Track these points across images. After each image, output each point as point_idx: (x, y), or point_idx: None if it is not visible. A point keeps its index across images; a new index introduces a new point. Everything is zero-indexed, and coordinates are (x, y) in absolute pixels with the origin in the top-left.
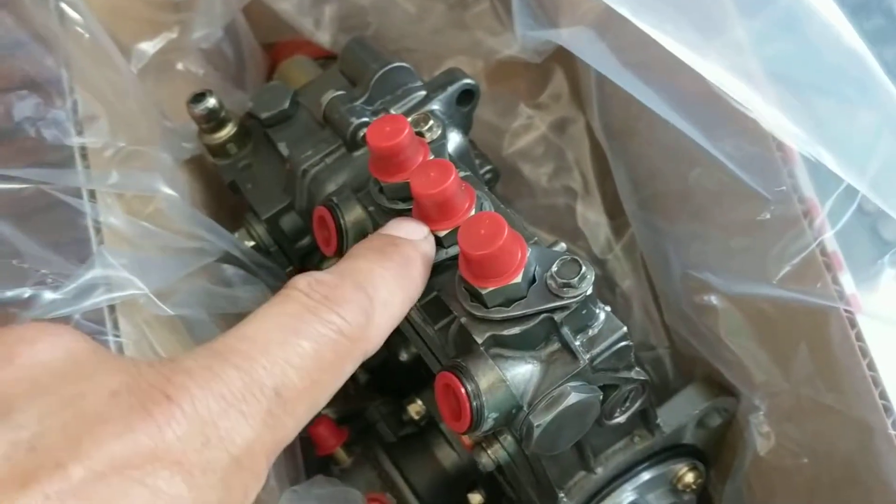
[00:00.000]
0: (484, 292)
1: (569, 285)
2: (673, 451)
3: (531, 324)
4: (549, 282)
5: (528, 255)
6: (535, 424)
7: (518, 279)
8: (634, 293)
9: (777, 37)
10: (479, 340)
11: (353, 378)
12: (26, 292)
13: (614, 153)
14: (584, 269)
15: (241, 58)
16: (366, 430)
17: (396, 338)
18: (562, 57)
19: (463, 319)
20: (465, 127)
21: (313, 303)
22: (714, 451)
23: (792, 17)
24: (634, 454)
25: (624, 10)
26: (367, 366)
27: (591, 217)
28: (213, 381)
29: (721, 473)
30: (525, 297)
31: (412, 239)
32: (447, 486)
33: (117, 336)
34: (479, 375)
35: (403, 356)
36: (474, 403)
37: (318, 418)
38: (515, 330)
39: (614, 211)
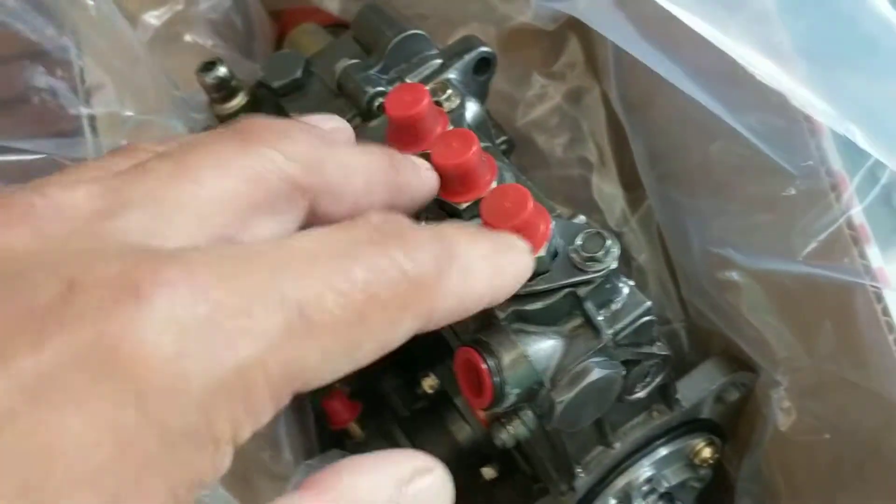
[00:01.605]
0: None
1: (593, 259)
2: (690, 425)
3: (554, 298)
4: (573, 256)
5: (551, 228)
6: (558, 401)
7: (542, 253)
8: (650, 266)
9: (805, 8)
10: (501, 315)
11: None
12: None
13: (632, 125)
14: (608, 242)
15: (250, 27)
16: (379, 403)
17: None
18: (576, 24)
19: None
20: (481, 96)
21: (380, 235)
22: (730, 425)
23: None
24: (652, 429)
25: None
26: None
27: (607, 189)
28: (212, 278)
29: (737, 448)
30: (548, 271)
31: (516, 243)
32: (461, 459)
33: None
34: (501, 351)
35: None
36: (496, 379)
37: (332, 391)
38: (538, 305)
39: (630, 183)
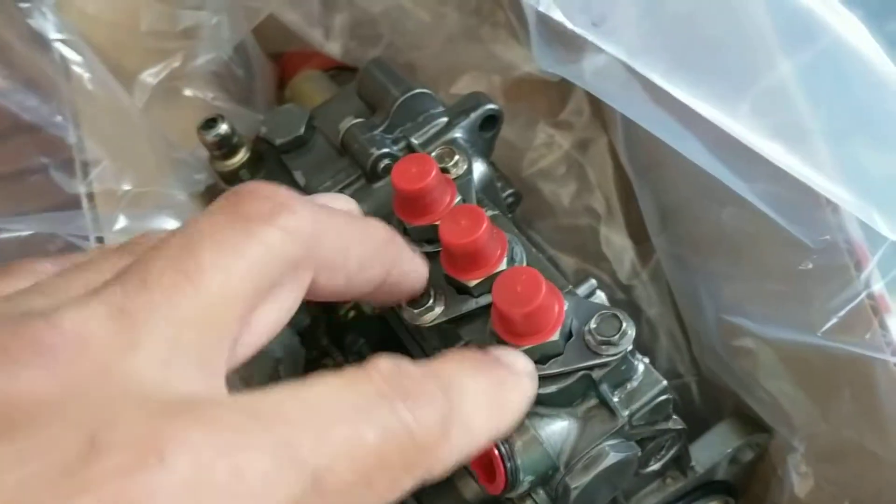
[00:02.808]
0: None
1: (609, 343)
2: (704, 489)
3: (568, 381)
4: (588, 338)
5: (565, 309)
6: (573, 486)
7: (556, 336)
8: (661, 321)
9: (822, 85)
10: None
11: None
12: None
13: (640, 183)
14: (624, 325)
15: (251, 74)
16: None
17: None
18: None
19: None
20: (487, 152)
21: (390, 389)
22: (744, 484)
23: (836, 62)
24: (666, 496)
25: (655, 77)
26: None
27: (616, 240)
28: (234, 439)
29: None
30: (562, 353)
31: (516, 368)
32: None
33: None
34: (514, 435)
35: None
36: (508, 465)
37: None
38: (552, 388)
39: (639, 235)
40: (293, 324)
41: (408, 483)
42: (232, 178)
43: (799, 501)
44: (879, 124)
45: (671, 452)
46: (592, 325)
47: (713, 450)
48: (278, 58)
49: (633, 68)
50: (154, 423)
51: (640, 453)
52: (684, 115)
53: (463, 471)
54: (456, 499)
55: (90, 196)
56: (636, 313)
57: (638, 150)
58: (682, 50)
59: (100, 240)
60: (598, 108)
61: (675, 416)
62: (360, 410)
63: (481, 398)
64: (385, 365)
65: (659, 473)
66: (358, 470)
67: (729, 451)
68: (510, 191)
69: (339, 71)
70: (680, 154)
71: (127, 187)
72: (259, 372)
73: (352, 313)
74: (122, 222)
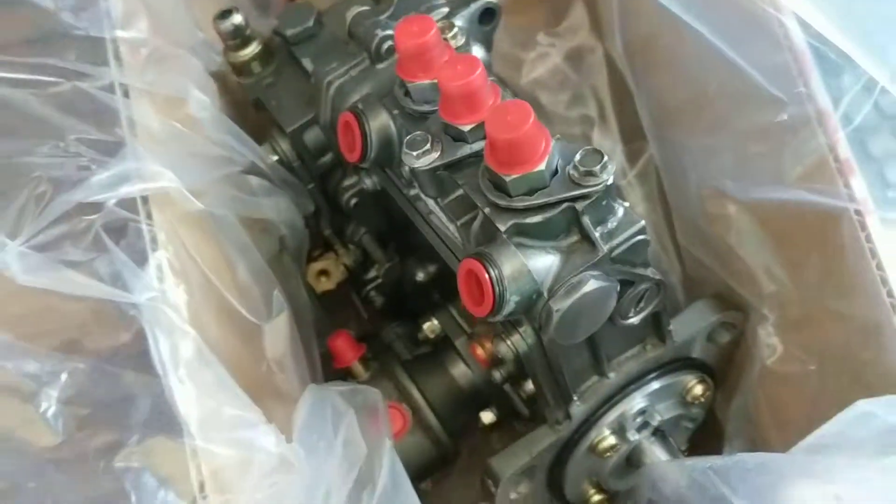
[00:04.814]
0: (508, 179)
1: (591, 174)
2: (682, 362)
3: (553, 212)
4: (572, 171)
5: (552, 145)
6: (555, 309)
7: (542, 167)
8: (648, 219)
9: None
10: (503, 228)
11: (369, 302)
12: (74, 175)
13: (635, 74)
14: (605, 158)
15: None
16: (382, 350)
17: (412, 259)
18: None
19: (487, 210)
20: (486, 45)
21: None
22: (722, 370)
23: None
24: (646, 362)
25: None
26: (382, 289)
27: (607, 144)
28: None
29: (727, 394)
30: (548, 186)
31: None
32: (461, 402)
33: (150, 225)
34: (503, 261)
35: (420, 276)
36: (497, 288)
37: (337, 332)
38: (538, 218)
39: (629, 138)
40: (298, 207)
41: None
42: (244, 70)
43: (768, 371)
44: None
45: (650, 307)
46: (576, 158)
47: (690, 323)
48: None
49: None
50: None
51: (618, 288)
52: None
53: (455, 356)
54: (450, 384)
55: (115, 44)
56: None
57: (634, 39)
58: None
59: (126, 93)
60: (595, 20)
61: (653, 268)
62: None
63: None
64: None
65: (639, 338)
66: None
67: (705, 325)
68: (508, 90)
69: None
70: (673, 38)
71: (158, 42)
72: (263, 249)
73: (354, 200)
74: (149, 75)
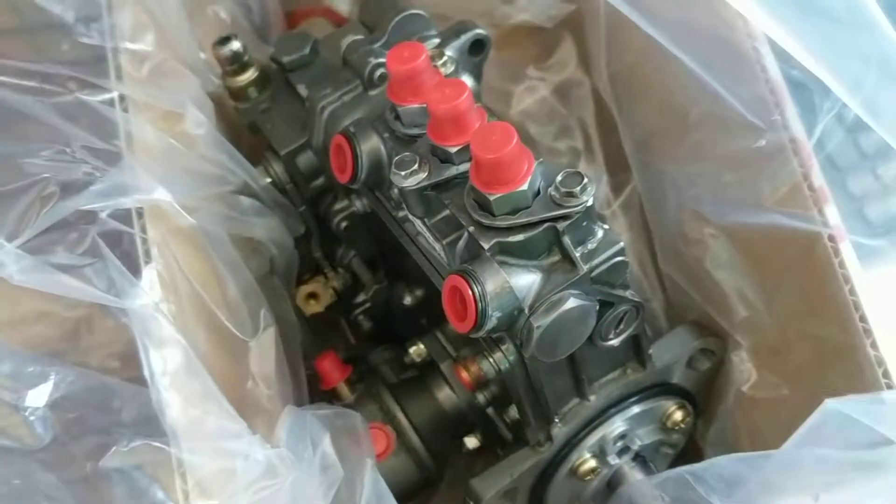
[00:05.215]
0: (492, 198)
1: (571, 195)
2: (662, 387)
3: (535, 231)
4: (553, 192)
5: (534, 166)
6: (536, 326)
7: (524, 187)
8: (631, 248)
9: None
10: (486, 246)
11: (358, 325)
12: (80, 180)
13: (619, 103)
14: (585, 180)
15: (266, 16)
16: (369, 373)
17: (400, 283)
18: (572, 22)
19: (471, 228)
20: (476, 76)
21: None
22: (702, 397)
23: None
24: (626, 385)
25: None
26: (370, 313)
27: (593, 175)
28: None
29: (707, 420)
30: (530, 206)
31: None
32: (445, 425)
33: (144, 237)
34: (486, 278)
35: (407, 300)
36: (480, 304)
37: (324, 353)
38: (520, 237)
39: (614, 169)
40: (289, 229)
41: None
42: (240, 95)
43: (744, 396)
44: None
45: (629, 329)
46: (558, 179)
47: (670, 349)
48: (290, 16)
49: None
50: None
51: (598, 307)
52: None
53: (440, 380)
54: (435, 408)
55: (116, 53)
56: None
57: (620, 69)
58: None
59: (124, 107)
60: (583, 56)
61: (632, 290)
62: None
63: None
64: None
65: (620, 362)
66: None
67: (685, 350)
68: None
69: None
70: (657, 66)
71: (163, 55)
72: (253, 268)
73: (344, 223)
74: (149, 87)
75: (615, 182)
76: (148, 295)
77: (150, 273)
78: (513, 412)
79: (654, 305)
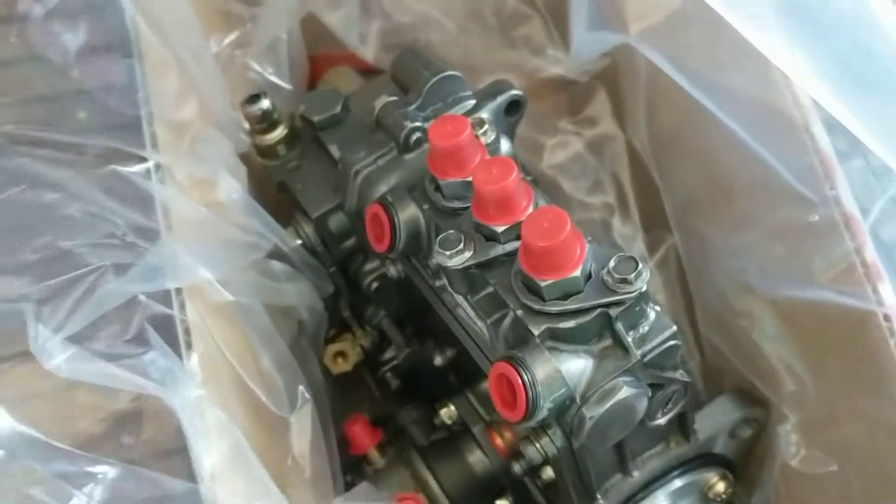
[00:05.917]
0: (543, 284)
1: (625, 281)
2: (705, 459)
3: (587, 318)
4: (606, 278)
5: (586, 250)
6: (588, 416)
7: (577, 273)
8: (667, 307)
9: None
10: (536, 332)
11: (385, 383)
12: (128, 263)
13: (660, 164)
14: (640, 266)
15: (293, 64)
16: (397, 433)
17: (431, 343)
18: (606, 76)
19: (519, 312)
20: (510, 136)
21: None
22: (742, 464)
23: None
24: (669, 459)
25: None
26: (398, 371)
27: (627, 231)
28: None
29: (747, 487)
30: (582, 291)
31: None
32: (477, 490)
33: (184, 318)
34: (536, 366)
35: (438, 360)
36: (530, 393)
37: (354, 417)
38: (571, 323)
39: (649, 226)
40: (318, 290)
41: None
42: (269, 153)
43: (790, 470)
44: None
45: (677, 408)
46: (611, 265)
47: (714, 420)
48: (312, 60)
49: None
50: None
51: (650, 394)
52: (713, 74)
53: (472, 444)
54: (466, 471)
55: (150, 120)
56: None
57: (659, 131)
58: None
59: (161, 178)
60: (618, 109)
61: (682, 370)
62: None
63: None
64: None
65: (663, 436)
66: None
67: (728, 421)
68: (530, 177)
69: (369, 74)
70: (700, 131)
71: (199, 122)
72: (284, 333)
73: (375, 284)
74: (185, 158)
75: (650, 239)
76: (195, 384)
77: (192, 358)
78: (546, 474)
79: (691, 365)
